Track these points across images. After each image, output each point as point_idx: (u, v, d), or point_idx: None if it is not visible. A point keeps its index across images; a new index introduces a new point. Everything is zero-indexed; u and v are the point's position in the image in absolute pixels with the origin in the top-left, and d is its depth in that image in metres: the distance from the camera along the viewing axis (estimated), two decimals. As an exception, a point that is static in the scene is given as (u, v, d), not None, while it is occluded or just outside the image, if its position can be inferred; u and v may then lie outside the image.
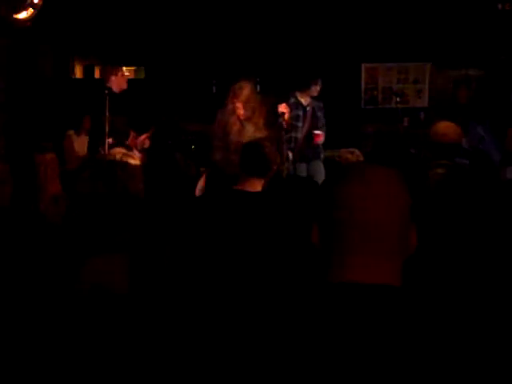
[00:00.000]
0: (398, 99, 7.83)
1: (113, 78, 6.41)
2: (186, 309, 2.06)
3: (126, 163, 2.65)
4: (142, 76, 8.61)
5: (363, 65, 8.44)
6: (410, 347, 1.05)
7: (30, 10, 5.61)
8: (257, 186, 3.28)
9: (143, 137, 6.35)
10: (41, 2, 5.66)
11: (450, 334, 1.07)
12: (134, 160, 4.70)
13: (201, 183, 5.89)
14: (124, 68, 6.52)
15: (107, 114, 5.98)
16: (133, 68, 8.53)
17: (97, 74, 8.16)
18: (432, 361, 1.04)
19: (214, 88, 8.24)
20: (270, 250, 2.84)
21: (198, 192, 5.65)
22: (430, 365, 1.03)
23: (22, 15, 5.59)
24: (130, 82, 7.98)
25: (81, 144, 6.71)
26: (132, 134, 6.13)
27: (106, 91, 6.07)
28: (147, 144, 6.33)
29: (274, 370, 1.06)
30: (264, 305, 1.17)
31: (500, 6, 6.99)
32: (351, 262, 1.17)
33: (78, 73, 8.28)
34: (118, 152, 4.47)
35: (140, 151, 6.21)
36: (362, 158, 5.96)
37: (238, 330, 1.15)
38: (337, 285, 1.15)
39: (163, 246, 2.30)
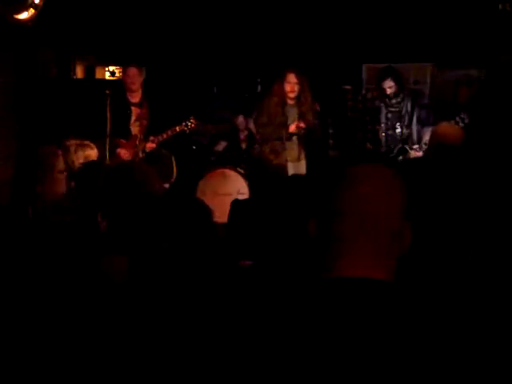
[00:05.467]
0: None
1: None
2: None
3: (143, 164, 2.66)
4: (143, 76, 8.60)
5: (364, 65, 8.43)
6: (403, 342, 1.06)
7: (31, 11, 5.61)
8: None
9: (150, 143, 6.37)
10: (42, 3, 5.66)
11: (443, 330, 1.09)
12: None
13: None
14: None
15: (108, 114, 5.98)
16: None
17: (97, 75, 8.18)
18: (425, 356, 1.05)
19: (214, 88, 8.25)
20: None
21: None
22: (422, 359, 1.05)
23: (23, 15, 5.59)
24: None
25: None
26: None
27: (107, 91, 6.06)
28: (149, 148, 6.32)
29: (270, 363, 1.08)
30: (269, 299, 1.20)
31: (501, 7, 6.98)
32: (348, 259, 1.19)
33: (79, 73, 8.28)
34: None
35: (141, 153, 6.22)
36: None
37: (237, 324, 1.17)
38: (332, 280, 1.17)
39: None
